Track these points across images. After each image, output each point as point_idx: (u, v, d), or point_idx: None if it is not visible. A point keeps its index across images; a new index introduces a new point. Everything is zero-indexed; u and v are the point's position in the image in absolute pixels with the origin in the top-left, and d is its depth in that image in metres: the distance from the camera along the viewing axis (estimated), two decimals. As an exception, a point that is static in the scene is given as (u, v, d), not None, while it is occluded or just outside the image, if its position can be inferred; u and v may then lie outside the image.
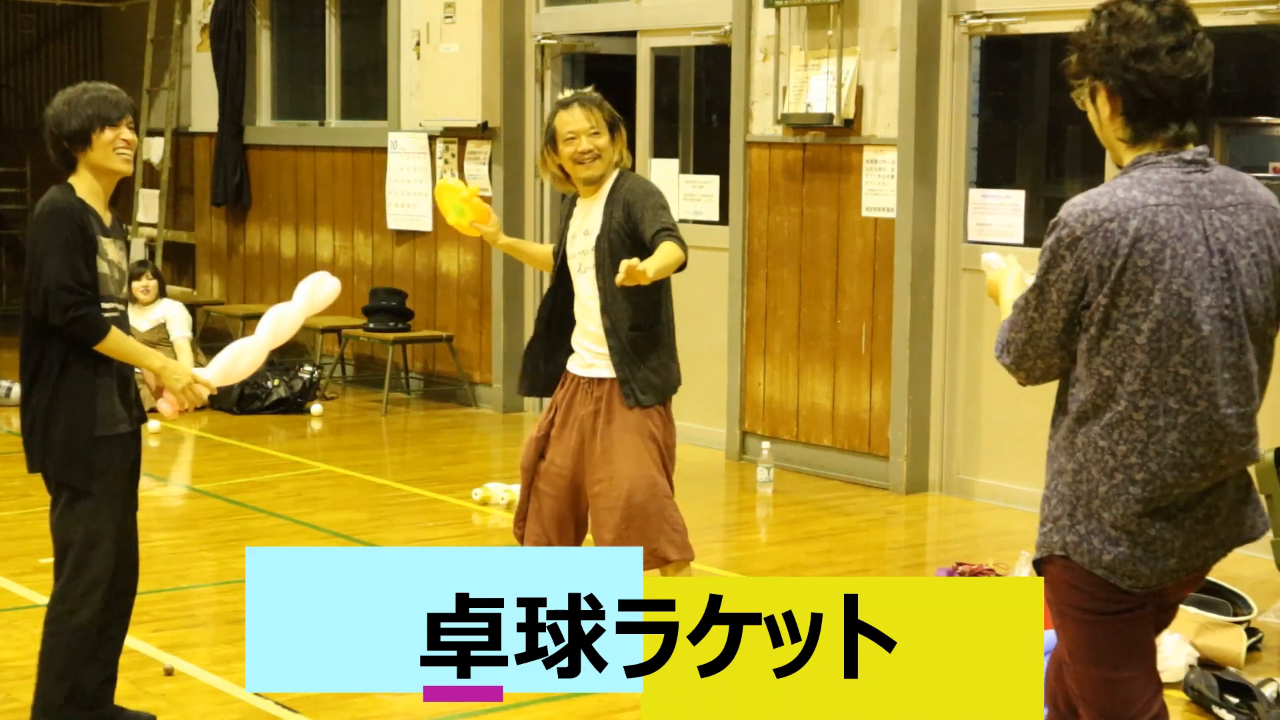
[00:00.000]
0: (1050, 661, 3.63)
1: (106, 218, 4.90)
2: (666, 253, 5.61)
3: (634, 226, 5.79)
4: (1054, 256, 3.29)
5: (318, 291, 5.56)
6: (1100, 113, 3.38)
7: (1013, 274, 3.65)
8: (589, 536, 6.18)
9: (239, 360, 5.28)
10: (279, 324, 5.42)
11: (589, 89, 6.12)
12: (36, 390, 4.84)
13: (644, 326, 5.86)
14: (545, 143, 5.99)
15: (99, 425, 4.83)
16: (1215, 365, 3.27)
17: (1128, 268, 3.22)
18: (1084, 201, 3.30)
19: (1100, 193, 3.30)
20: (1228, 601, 6.06)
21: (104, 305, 4.80)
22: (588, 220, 5.94)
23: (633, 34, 10.26)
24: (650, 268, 5.45)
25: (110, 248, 4.86)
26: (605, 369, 5.93)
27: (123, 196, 14.39)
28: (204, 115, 13.55)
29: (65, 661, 4.87)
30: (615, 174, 5.93)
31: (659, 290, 5.88)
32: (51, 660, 4.89)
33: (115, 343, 4.80)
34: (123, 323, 4.91)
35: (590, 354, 5.97)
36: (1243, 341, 3.30)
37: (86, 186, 4.88)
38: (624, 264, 5.41)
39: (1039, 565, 3.47)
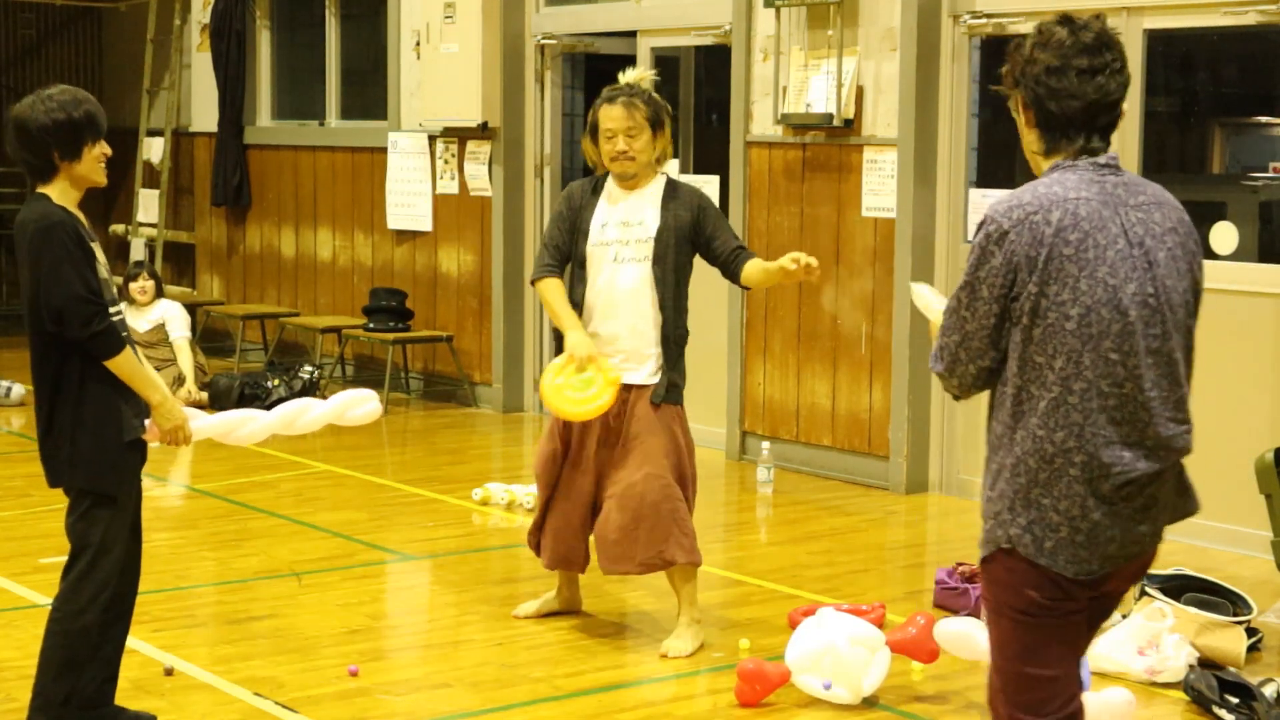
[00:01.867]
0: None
1: (86, 224, 4.86)
2: (762, 273, 5.92)
3: (700, 234, 6.00)
4: (983, 252, 3.47)
5: (353, 409, 5.37)
6: (1021, 122, 3.62)
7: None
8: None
9: (240, 427, 5.19)
10: (298, 415, 5.26)
11: (647, 77, 6.10)
12: (60, 407, 4.80)
13: (684, 328, 6.03)
14: (587, 130, 6.06)
15: (126, 432, 4.83)
16: (1140, 350, 3.44)
17: (1054, 256, 3.41)
18: (1008, 199, 3.50)
19: (1023, 190, 3.51)
20: (1228, 601, 6.06)
21: (109, 310, 4.79)
22: (638, 213, 5.99)
23: (633, 34, 10.26)
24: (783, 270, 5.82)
25: (99, 254, 4.84)
26: (630, 373, 5.95)
27: (122, 196, 14.41)
28: (204, 115, 13.55)
29: (66, 662, 4.87)
30: (660, 176, 6.03)
31: (687, 299, 6.08)
32: (52, 660, 4.88)
33: (125, 361, 4.78)
34: (123, 325, 4.89)
35: (613, 349, 5.97)
36: (1165, 329, 3.48)
37: (60, 194, 4.80)
38: (801, 265, 5.72)
39: (984, 564, 3.58)
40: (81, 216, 4.86)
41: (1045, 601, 3.48)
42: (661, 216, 5.97)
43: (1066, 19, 3.56)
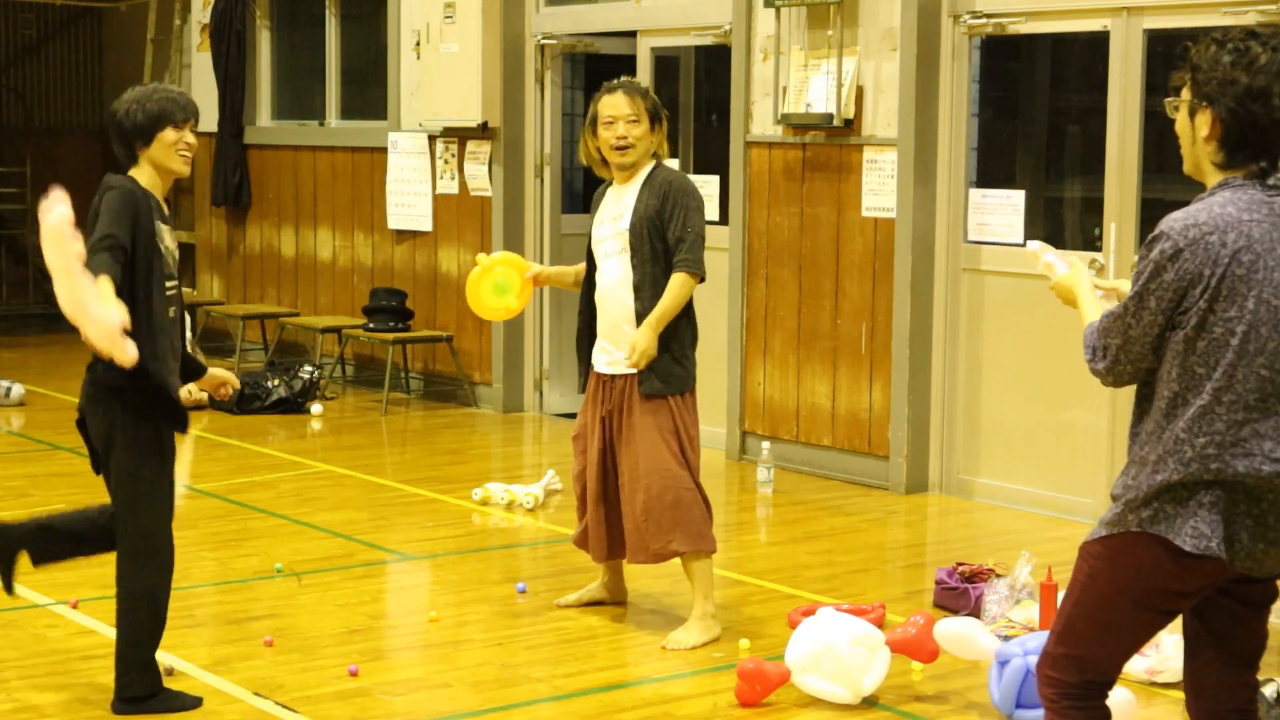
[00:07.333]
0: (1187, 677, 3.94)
1: (164, 208, 5.25)
2: (669, 296, 5.87)
3: (664, 221, 5.92)
4: (1156, 267, 3.56)
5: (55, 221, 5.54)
6: (1197, 132, 3.65)
7: (1085, 280, 3.94)
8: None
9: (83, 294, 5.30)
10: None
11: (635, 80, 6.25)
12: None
13: (678, 318, 5.97)
14: (587, 125, 6.08)
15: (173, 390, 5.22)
16: None
17: (1227, 277, 3.52)
18: (1184, 217, 3.58)
19: (1198, 209, 3.59)
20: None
21: (166, 284, 5.12)
22: (620, 205, 6.06)
23: (633, 34, 10.26)
24: (649, 333, 5.88)
25: (167, 234, 5.19)
26: (621, 365, 6.00)
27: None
28: (204, 115, 13.44)
29: (150, 629, 5.21)
30: (652, 164, 6.05)
31: None
32: (138, 632, 5.20)
33: (104, 285, 4.88)
34: (178, 299, 5.23)
35: (612, 343, 6.02)
36: None
37: (147, 179, 5.19)
38: (631, 352, 5.85)
39: (1102, 541, 3.67)
40: (159, 198, 5.20)
41: (1168, 586, 3.62)
42: (635, 207, 5.99)
43: (1252, 33, 3.61)
